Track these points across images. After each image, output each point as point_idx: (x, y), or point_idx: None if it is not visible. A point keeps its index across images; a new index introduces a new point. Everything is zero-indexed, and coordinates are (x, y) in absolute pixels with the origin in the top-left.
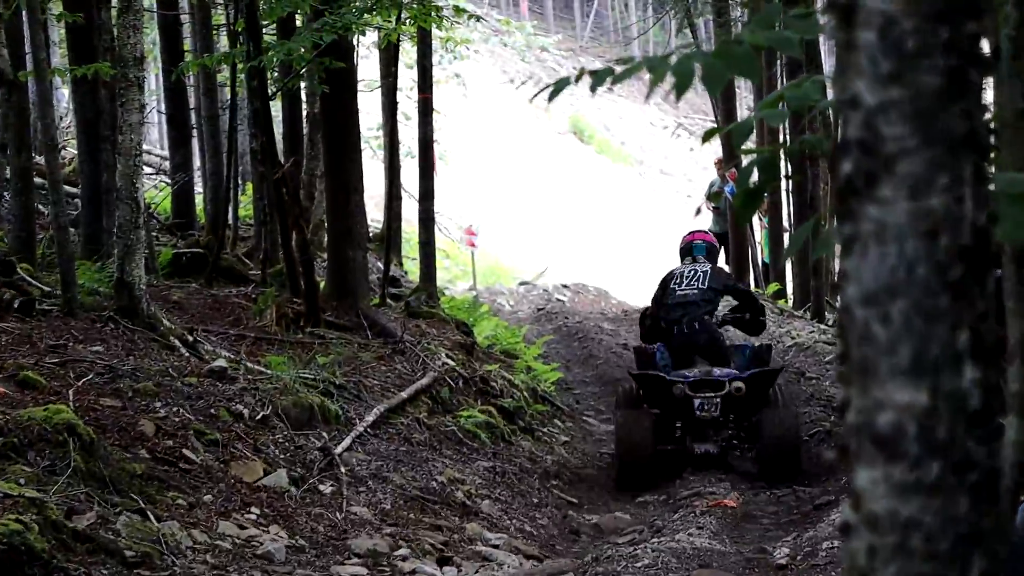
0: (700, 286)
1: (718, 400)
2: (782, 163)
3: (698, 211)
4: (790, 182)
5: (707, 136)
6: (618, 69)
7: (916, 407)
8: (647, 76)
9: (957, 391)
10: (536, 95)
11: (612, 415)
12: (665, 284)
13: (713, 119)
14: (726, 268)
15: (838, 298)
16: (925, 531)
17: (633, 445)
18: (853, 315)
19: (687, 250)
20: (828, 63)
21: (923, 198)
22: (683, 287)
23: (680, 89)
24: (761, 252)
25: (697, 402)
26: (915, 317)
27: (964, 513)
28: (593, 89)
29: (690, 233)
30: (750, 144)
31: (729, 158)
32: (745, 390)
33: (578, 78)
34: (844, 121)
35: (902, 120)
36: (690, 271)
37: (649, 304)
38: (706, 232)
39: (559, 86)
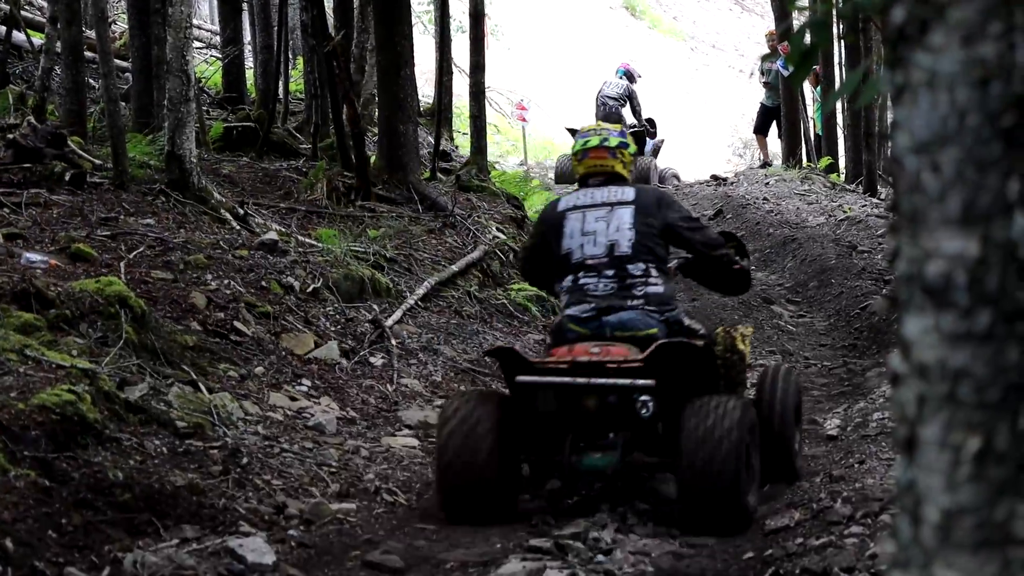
0: (618, 92)
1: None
2: (835, 26)
3: (751, 74)
4: (843, 56)
5: None
6: None
7: (966, 256)
8: None
9: (1008, 240)
10: None
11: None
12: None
13: None
14: (778, 140)
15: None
16: (975, 380)
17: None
18: (903, 164)
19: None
20: None
21: (975, 46)
22: (607, 89)
23: None
24: (814, 126)
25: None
26: (966, 166)
27: (1014, 363)
28: None
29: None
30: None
31: (781, 29)
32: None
33: None
34: None
35: None
36: (611, 83)
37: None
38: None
39: None
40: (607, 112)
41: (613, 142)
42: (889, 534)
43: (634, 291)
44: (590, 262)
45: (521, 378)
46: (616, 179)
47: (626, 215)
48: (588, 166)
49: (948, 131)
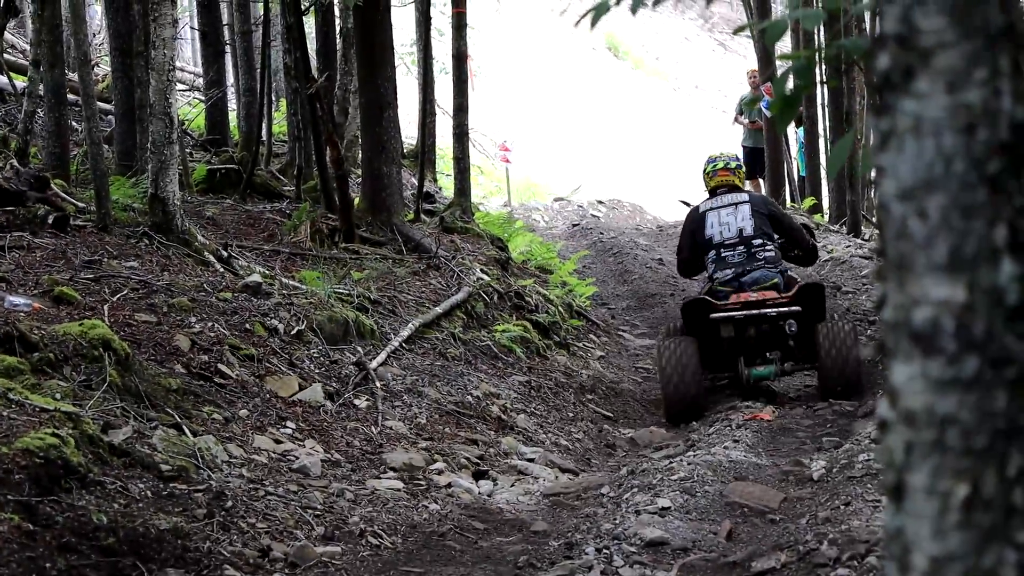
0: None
1: None
2: (818, 69)
3: (733, 120)
4: (825, 96)
5: (737, 31)
6: None
7: (953, 303)
8: None
9: (994, 286)
10: (579, 20)
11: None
12: None
13: (748, 34)
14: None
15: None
16: (962, 427)
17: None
18: (890, 210)
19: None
20: None
21: (960, 92)
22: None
23: None
24: (797, 167)
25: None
26: (952, 212)
27: (1002, 408)
28: (634, 11)
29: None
30: (784, 52)
31: (764, 71)
32: None
33: (618, 1)
34: (881, 15)
35: (940, 13)
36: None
37: None
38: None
39: (599, 11)
40: None
41: (732, 165)
42: None
43: (757, 256)
44: (727, 242)
45: (714, 315)
46: (735, 188)
47: (746, 209)
48: (718, 181)
49: (934, 177)
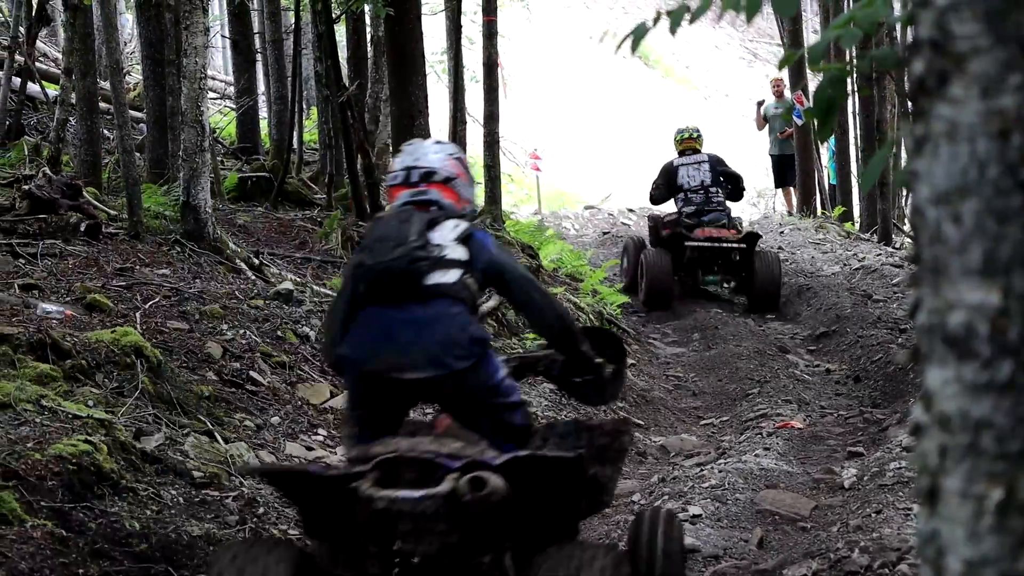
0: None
1: None
2: (849, 79)
3: (766, 126)
4: (856, 105)
5: (783, 63)
6: (693, 4)
7: (987, 307)
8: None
9: None
10: (619, 46)
11: None
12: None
13: (779, 43)
14: (792, 193)
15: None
16: (996, 431)
17: None
18: (924, 215)
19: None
20: None
21: (995, 97)
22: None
23: (750, 13)
24: (828, 175)
25: None
26: (986, 217)
27: None
28: (672, 31)
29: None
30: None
31: (795, 81)
32: None
33: (656, 20)
34: (916, 21)
35: (974, 19)
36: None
37: None
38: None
39: (638, 34)
40: None
41: (696, 135)
42: None
43: (712, 200)
44: (692, 187)
45: (688, 243)
46: (696, 151)
47: (706, 167)
48: (685, 146)
49: (968, 182)
